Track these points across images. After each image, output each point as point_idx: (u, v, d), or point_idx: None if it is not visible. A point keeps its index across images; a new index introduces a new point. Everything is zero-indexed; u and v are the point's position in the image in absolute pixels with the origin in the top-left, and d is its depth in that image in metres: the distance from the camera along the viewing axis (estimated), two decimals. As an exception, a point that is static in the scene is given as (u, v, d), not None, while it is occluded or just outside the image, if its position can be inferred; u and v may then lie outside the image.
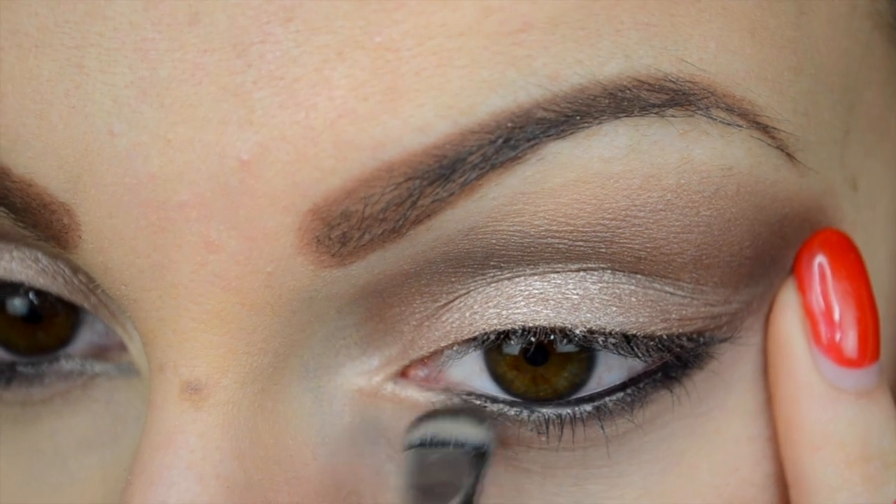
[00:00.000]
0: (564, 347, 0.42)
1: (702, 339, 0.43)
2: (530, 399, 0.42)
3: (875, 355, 0.44)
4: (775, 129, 0.41)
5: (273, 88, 0.38)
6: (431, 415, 0.42)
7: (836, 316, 0.44)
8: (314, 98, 0.38)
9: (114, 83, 0.39)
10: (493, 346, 0.42)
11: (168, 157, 0.39)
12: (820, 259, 0.44)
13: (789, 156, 0.42)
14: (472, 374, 0.43)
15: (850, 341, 0.43)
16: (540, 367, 0.42)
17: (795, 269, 0.44)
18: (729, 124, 0.41)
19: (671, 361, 0.43)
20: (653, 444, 0.43)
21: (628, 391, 0.42)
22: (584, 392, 0.43)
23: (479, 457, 0.41)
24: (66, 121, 0.39)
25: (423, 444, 0.41)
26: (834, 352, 0.43)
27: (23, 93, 0.40)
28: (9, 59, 0.40)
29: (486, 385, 0.43)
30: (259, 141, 0.38)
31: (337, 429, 0.42)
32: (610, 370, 0.43)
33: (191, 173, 0.39)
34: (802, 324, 0.44)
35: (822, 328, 0.44)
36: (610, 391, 0.42)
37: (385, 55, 0.38)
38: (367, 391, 0.42)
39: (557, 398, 0.42)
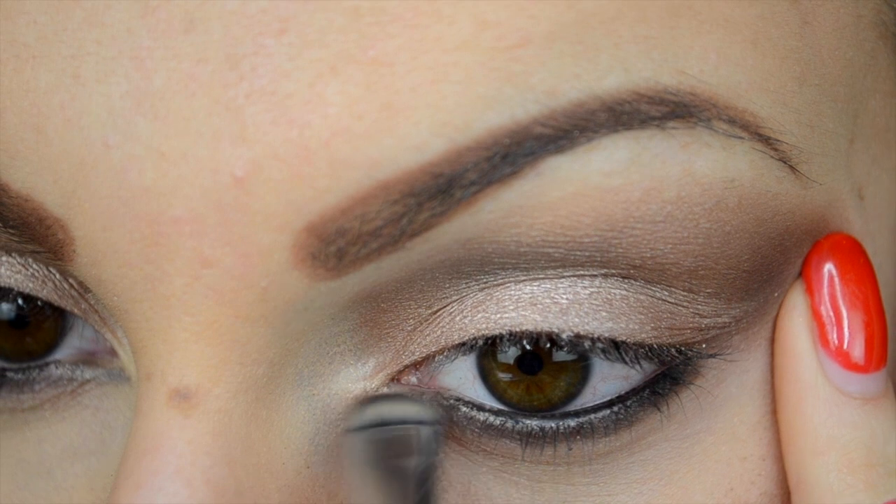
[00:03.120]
0: (559, 356, 0.42)
1: (690, 353, 0.42)
2: (524, 409, 0.42)
3: (882, 361, 0.43)
4: (778, 140, 0.41)
5: (265, 104, 0.38)
6: (377, 398, 0.42)
7: (844, 320, 0.43)
8: (308, 115, 0.38)
9: (109, 93, 0.39)
10: (482, 351, 0.42)
11: (162, 170, 0.39)
12: (829, 262, 0.43)
13: (792, 168, 0.41)
14: (465, 382, 0.43)
15: (857, 346, 0.43)
16: (534, 375, 0.42)
17: (804, 272, 0.43)
18: (731, 136, 0.40)
19: (659, 377, 0.42)
20: (640, 464, 0.43)
21: (615, 408, 0.42)
22: (578, 403, 0.42)
23: (434, 433, 0.41)
24: (62, 134, 0.39)
25: (374, 425, 0.41)
26: (841, 356, 0.43)
27: (21, 107, 0.39)
28: (7, 71, 0.40)
29: (480, 393, 0.43)
30: (252, 158, 0.38)
31: (331, 437, 0.42)
32: (605, 380, 0.42)
33: (185, 188, 0.39)
34: (810, 327, 0.43)
35: (830, 332, 0.43)
36: (596, 408, 0.42)
37: (379, 70, 0.38)
38: (362, 398, 0.42)
39: (552, 408, 0.42)
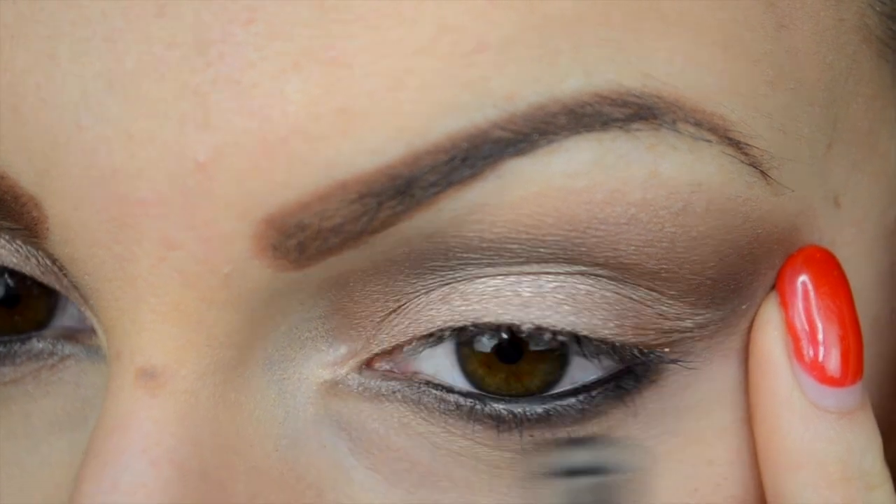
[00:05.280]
0: (538, 345, 0.42)
1: (652, 355, 0.42)
2: (498, 394, 0.42)
3: (858, 375, 0.43)
4: (748, 145, 0.40)
5: (230, 92, 0.38)
6: (575, 441, 0.40)
7: (819, 334, 0.42)
8: (268, 109, 0.38)
9: (83, 74, 0.39)
10: (457, 342, 0.42)
11: (130, 151, 0.39)
12: (803, 274, 0.43)
13: (763, 173, 0.41)
14: (442, 369, 0.42)
15: (832, 360, 0.42)
16: (513, 365, 0.42)
17: (778, 285, 0.43)
18: (698, 139, 0.39)
19: (623, 372, 0.42)
20: None
21: (580, 397, 0.42)
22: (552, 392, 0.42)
23: (634, 481, 0.38)
24: (37, 114, 0.39)
25: (571, 473, 0.38)
26: (816, 370, 0.42)
27: None
28: None
29: (458, 382, 0.42)
30: (215, 144, 0.38)
31: (300, 421, 0.42)
32: (584, 369, 0.42)
33: (151, 170, 0.39)
34: (784, 340, 0.43)
35: (805, 345, 0.42)
36: (562, 395, 0.42)
37: (337, 72, 0.38)
38: (332, 383, 0.42)
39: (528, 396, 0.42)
